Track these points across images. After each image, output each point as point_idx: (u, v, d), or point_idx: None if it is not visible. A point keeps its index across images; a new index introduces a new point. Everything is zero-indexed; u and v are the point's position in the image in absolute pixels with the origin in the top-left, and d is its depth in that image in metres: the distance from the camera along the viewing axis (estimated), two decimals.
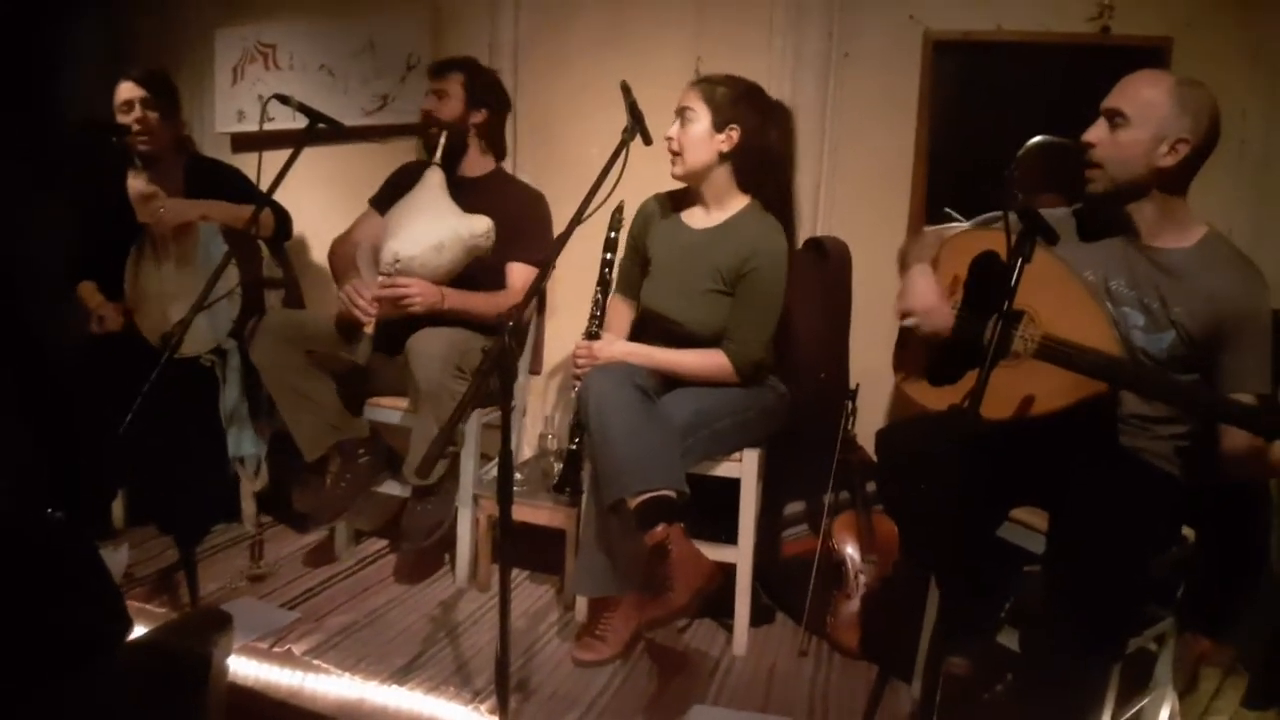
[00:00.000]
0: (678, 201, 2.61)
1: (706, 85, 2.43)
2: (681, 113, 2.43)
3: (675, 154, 2.45)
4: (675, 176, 2.49)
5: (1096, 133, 1.90)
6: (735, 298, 2.42)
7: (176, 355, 2.31)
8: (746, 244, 2.40)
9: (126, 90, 2.93)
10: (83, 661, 1.16)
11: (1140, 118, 1.84)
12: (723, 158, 2.43)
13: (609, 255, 2.56)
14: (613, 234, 2.57)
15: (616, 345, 2.45)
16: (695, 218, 2.55)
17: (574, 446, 2.52)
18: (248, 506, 3.11)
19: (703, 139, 2.41)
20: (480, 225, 2.70)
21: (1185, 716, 2.07)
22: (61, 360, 2.79)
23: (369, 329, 2.70)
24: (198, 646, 1.17)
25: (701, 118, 2.40)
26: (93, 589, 1.47)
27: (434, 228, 2.69)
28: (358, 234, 2.95)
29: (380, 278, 2.66)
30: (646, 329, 2.59)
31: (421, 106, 2.92)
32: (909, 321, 2.04)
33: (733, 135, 2.40)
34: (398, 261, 2.63)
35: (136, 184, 2.98)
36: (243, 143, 3.77)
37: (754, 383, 2.46)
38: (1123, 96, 1.87)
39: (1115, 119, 1.87)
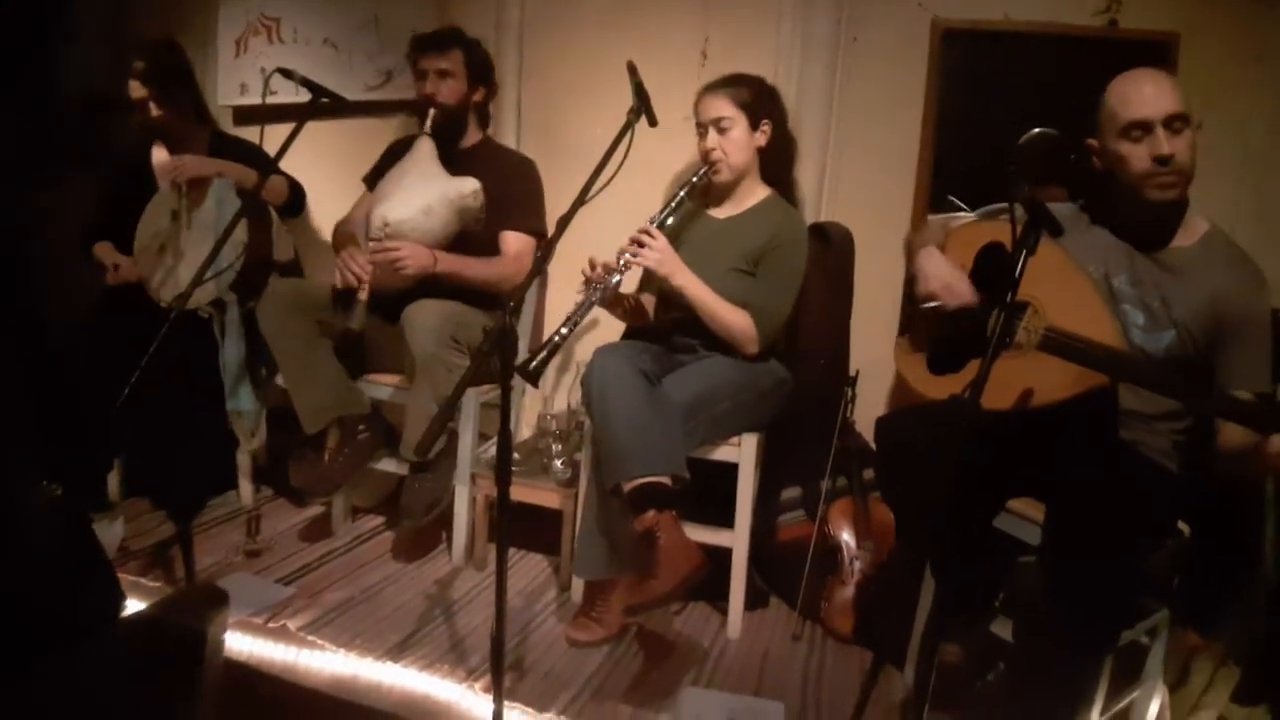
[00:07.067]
0: (703, 199, 2.67)
1: (730, 90, 2.51)
2: (716, 123, 2.50)
3: (717, 162, 2.50)
4: (722, 183, 2.57)
5: (1170, 144, 1.81)
6: (758, 272, 2.48)
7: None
8: (771, 227, 2.49)
9: (135, 88, 2.94)
10: (77, 638, 1.16)
11: (1188, 113, 1.81)
12: (757, 153, 2.55)
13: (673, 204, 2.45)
14: (682, 193, 2.47)
15: (676, 256, 2.41)
16: (721, 210, 2.64)
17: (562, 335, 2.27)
18: (244, 482, 3.12)
19: (744, 141, 2.52)
20: (468, 186, 2.73)
21: (1175, 710, 2.08)
22: (62, 330, 2.79)
23: (363, 295, 2.69)
24: (193, 623, 1.17)
25: (739, 121, 2.49)
26: (86, 565, 1.47)
27: (422, 192, 2.71)
28: (356, 214, 2.96)
29: (371, 243, 2.65)
30: (670, 310, 2.58)
31: (420, 88, 2.89)
32: (932, 304, 2.01)
33: (766, 130, 2.53)
34: (387, 225, 2.64)
35: (160, 154, 3.01)
36: (245, 116, 3.74)
37: (761, 358, 2.48)
38: (1173, 97, 1.81)
39: (1175, 123, 1.81)
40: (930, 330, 2.12)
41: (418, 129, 2.90)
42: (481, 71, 2.95)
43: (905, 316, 2.27)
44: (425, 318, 2.51)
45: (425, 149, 2.81)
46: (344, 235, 2.94)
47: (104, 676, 1.09)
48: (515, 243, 2.85)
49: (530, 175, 2.97)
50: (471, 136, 2.99)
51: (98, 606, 1.33)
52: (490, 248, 2.85)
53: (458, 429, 2.74)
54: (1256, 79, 2.61)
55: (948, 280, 2.00)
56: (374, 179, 2.98)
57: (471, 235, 2.80)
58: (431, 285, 2.69)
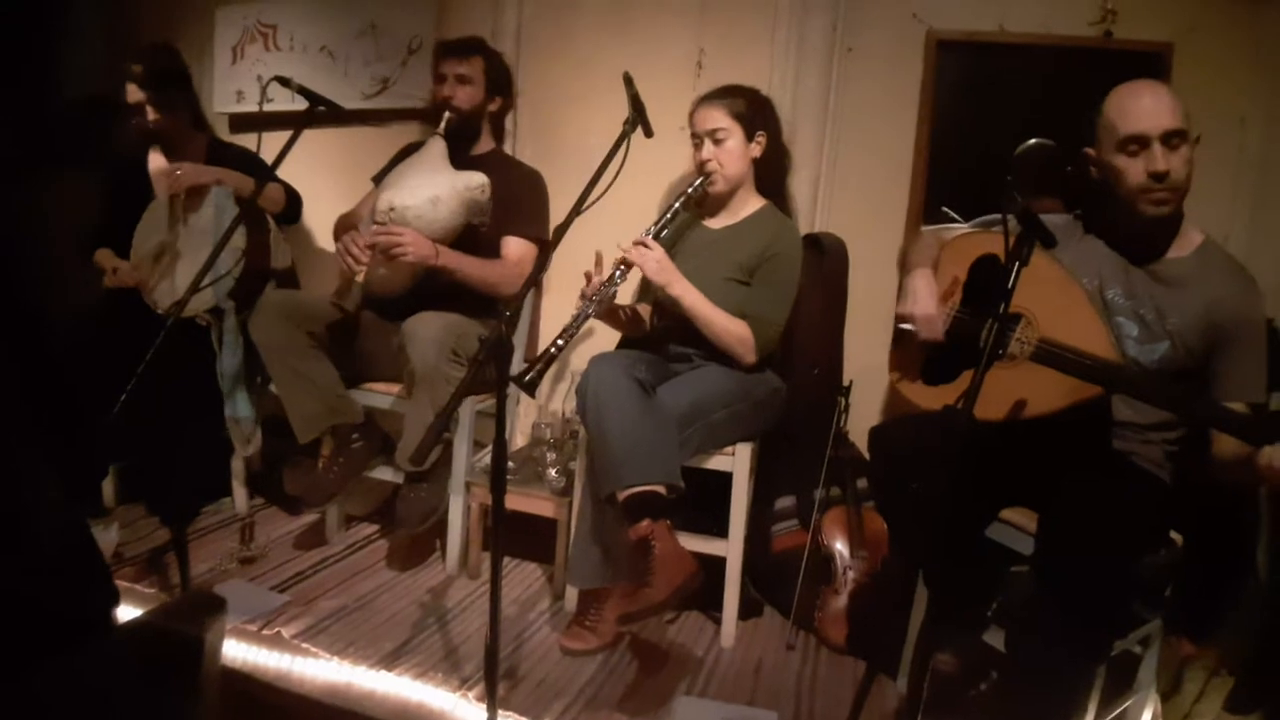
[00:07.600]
0: (698, 209, 2.69)
1: (725, 101, 2.53)
2: (711, 134, 2.52)
3: (713, 173, 2.51)
4: (717, 194, 2.57)
5: (1166, 161, 1.80)
6: (754, 281, 2.49)
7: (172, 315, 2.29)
8: (766, 237, 2.51)
9: (133, 92, 2.94)
10: (73, 640, 1.15)
11: (1186, 129, 1.80)
12: (752, 163, 2.57)
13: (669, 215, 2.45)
14: (677, 204, 2.46)
15: (672, 266, 2.40)
16: (716, 220, 2.65)
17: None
18: (239, 489, 3.12)
19: (740, 152, 2.53)
20: (475, 179, 2.74)
21: (1168, 719, 2.08)
22: (60, 334, 2.78)
23: (359, 277, 2.69)
24: (192, 630, 1.17)
25: (734, 132, 2.51)
26: (84, 565, 1.46)
27: (430, 183, 2.72)
28: (361, 210, 2.96)
29: (374, 226, 2.65)
30: (665, 318, 2.60)
31: (439, 91, 2.91)
32: (906, 326, 2.04)
33: (761, 141, 2.55)
34: (392, 210, 2.64)
35: (157, 160, 3.02)
36: (241, 123, 3.75)
37: (756, 368, 2.48)
38: (1172, 113, 1.80)
39: (1172, 140, 1.80)
40: (913, 344, 2.12)
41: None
42: (500, 82, 2.98)
43: (898, 327, 2.28)
44: (427, 330, 2.51)
45: (436, 148, 2.82)
46: (346, 226, 2.94)
47: (102, 682, 1.09)
48: (516, 248, 2.86)
49: (537, 186, 2.98)
50: (483, 145, 3.00)
51: (95, 607, 1.32)
52: (492, 254, 2.86)
53: (453, 438, 2.74)
54: (1251, 83, 2.63)
55: (928, 312, 2.01)
56: (383, 178, 2.98)
57: (474, 240, 2.80)
58: (431, 285, 2.70)
